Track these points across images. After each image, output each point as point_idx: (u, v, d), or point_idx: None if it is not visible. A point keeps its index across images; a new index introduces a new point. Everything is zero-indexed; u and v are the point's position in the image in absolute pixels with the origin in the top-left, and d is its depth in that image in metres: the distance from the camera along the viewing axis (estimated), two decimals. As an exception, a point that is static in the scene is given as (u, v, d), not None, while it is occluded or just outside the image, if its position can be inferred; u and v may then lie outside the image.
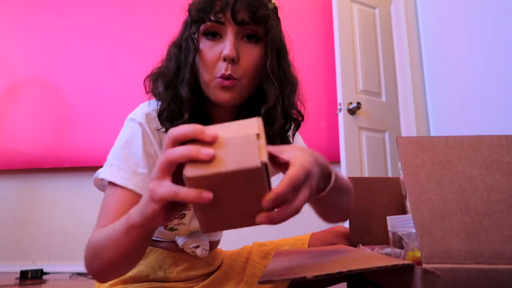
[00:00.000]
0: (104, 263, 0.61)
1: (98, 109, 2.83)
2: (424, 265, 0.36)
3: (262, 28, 0.73)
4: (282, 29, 0.82)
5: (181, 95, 0.72)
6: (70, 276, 2.43)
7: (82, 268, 2.50)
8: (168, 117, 0.73)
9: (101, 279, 0.70)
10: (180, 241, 0.86)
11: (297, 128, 0.82)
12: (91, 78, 2.91)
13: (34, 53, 3.01)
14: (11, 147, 2.87)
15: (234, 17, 0.70)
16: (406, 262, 0.37)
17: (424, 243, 0.37)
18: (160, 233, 0.86)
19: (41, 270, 2.43)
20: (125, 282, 0.83)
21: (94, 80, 2.90)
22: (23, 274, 2.36)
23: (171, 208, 0.47)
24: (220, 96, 0.71)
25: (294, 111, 0.80)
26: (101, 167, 0.75)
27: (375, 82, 2.54)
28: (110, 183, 0.70)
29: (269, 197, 0.42)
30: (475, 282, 0.34)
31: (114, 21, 2.99)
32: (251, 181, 0.41)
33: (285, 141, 0.79)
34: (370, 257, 0.49)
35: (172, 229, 0.82)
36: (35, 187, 2.85)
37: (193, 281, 0.88)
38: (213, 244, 0.92)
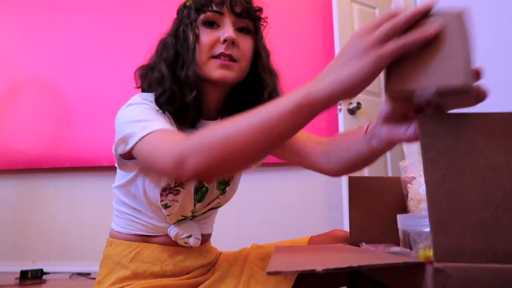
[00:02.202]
0: (231, 154, 0.55)
1: (98, 109, 2.82)
2: (436, 264, 0.36)
3: (253, 24, 0.84)
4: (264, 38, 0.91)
5: (184, 77, 0.79)
6: (70, 276, 2.42)
7: (82, 268, 2.51)
8: (168, 99, 0.79)
9: (211, 174, 0.62)
10: (172, 232, 0.88)
11: None
12: (91, 78, 2.90)
13: (34, 53, 3.00)
14: (11, 147, 2.86)
15: (232, 9, 0.80)
16: (417, 260, 0.37)
17: (438, 240, 0.37)
18: (153, 228, 0.89)
19: (41, 270, 2.43)
20: (123, 280, 0.85)
21: (94, 80, 2.89)
22: (23, 274, 2.35)
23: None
24: (218, 73, 0.79)
25: None
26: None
27: (375, 82, 2.49)
28: (145, 138, 0.69)
29: None
30: (487, 282, 0.34)
31: (114, 21, 2.98)
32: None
33: None
34: (377, 255, 0.49)
35: (166, 206, 0.84)
36: (35, 187, 2.85)
37: (191, 275, 0.90)
38: (205, 237, 0.96)
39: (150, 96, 0.82)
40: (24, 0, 3.09)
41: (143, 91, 0.88)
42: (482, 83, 0.47)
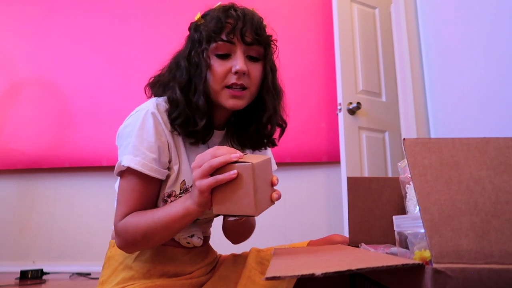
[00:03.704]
0: (152, 243, 0.81)
1: (98, 109, 2.83)
2: (435, 265, 0.36)
3: (263, 49, 0.87)
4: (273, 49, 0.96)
5: (195, 103, 0.83)
6: (70, 276, 2.43)
7: (82, 268, 2.51)
8: (183, 123, 0.83)
9: (135, 251, 0.87)
10: None
11: (282, 132, 0.97)
12: (91, 78, 2.90)
13: (34, 53, 3.00)
14: (11, 147, 2.87)
15: (243, 38, 0.83)
16: (416, 262, 0.37)
17: (434, 243, 0.37)
18: None
19: (41, 270, 2.43)
20: (128, 280, 0.85)
21: (94, 80, 2.90)
22: (23, 274, 2.35)
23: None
24: (231, 102, 0.84)
25: (279, 119, 0.95)
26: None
27: (375, 82, 2.54)
28: (128, 168, 0.80)
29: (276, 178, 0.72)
30: (486, 282, 0.34)
31: (114, 21, 2.98)
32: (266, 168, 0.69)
33: (273, 142, 0.97)
34: (376, 257, 0.49)
35: None
36: (35, 187, 2.85)
37: (192, 275, 0.91)
38: (205, 239, 0.98)
39: (165, 103, 0.86)
40: (24, 0, 3.09)
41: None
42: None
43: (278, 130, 0.96)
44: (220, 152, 0.67)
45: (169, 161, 0.85)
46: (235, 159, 0.65)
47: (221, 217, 1.02)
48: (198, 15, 0.89)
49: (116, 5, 3.01)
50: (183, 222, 0.75)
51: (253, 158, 0.68)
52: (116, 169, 0.84)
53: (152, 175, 0.81)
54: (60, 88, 2.92)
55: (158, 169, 0.82)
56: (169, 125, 0.84)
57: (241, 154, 0.67)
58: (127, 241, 0.79)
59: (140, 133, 0.81)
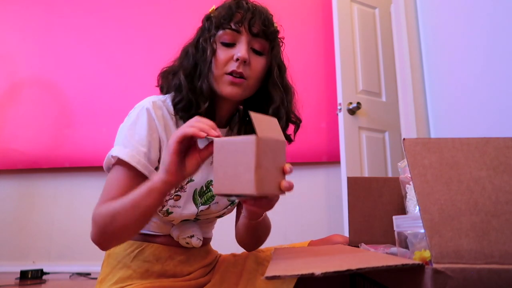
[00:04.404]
0: (120, 225, 0.73)
1: (98, 109, 2.83)
2: (435, 265, 0.36)
3: (269, 44, 0.88)
4: (282, 50, 0.97)
5: (199, 87, 0.85)
6: (70, 276, 2.43)
7: (82, 268, 2.50)
8: (185, 107, 0.84)
9: (108, 244, 0.80)
10: (175, 233, 0.90)
11: (296, 129, 0.96)
12: (91, 78, 2.90)
13: (34, 53, 3.00)
14: (11, 147, 2.87)
15: (250, 29, 0.85)
16: (416, 262, 0.38)
17: (434, 243, 0.37)
18: (156, 227, 0.90)
19: (41, 270, 2.43)
20: (125, 280, 0.85)
21: (94, 80, 2.90)
22: (23, 274, 2.36)
23: (183, 165, 0.67)
24: (229, 89, 0.84)
25: (293, 116, 0.93)
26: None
27: (375, 82, 2.54)
28: (118, 160, 0.80)
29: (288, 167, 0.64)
30: (486, 282, 0.34)
31: (114, 21, 2.99)
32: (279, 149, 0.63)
33: (288, 139, 0.94)
34: (376, 257, 0.49)
35: (168, 212, 0.87)
36: (35, 187, 2.85)
37: (191, 276, 0.91)
38: (205, 241, 0.98)
39: (161, 102, 0.87)
40: (25, 0, 3.09)
41: (161, 90, 0.95)
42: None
43: (292, 127, 0.96)
44: (202, 121, 0.65)
45: (159, 160, 0.84)
46: (204, 136, 0.62)
47: (223, 218, 1.02)
48: (213, 8, 0.91)
49: (116, 5, 3.01)
50: (150, 198, 0.69)
51: (268, 132, 0.61)
52: (105, 163, 0.83)
53: (139, 168, 0.79)
54: (60, 88, 2.93)
55: (146, 164, 0.80)
56: (162, 122, 0.85)
57: (219, 133, 0.64)
58: (99, 227, 0.76)
59: (132, 127, 0.82)
